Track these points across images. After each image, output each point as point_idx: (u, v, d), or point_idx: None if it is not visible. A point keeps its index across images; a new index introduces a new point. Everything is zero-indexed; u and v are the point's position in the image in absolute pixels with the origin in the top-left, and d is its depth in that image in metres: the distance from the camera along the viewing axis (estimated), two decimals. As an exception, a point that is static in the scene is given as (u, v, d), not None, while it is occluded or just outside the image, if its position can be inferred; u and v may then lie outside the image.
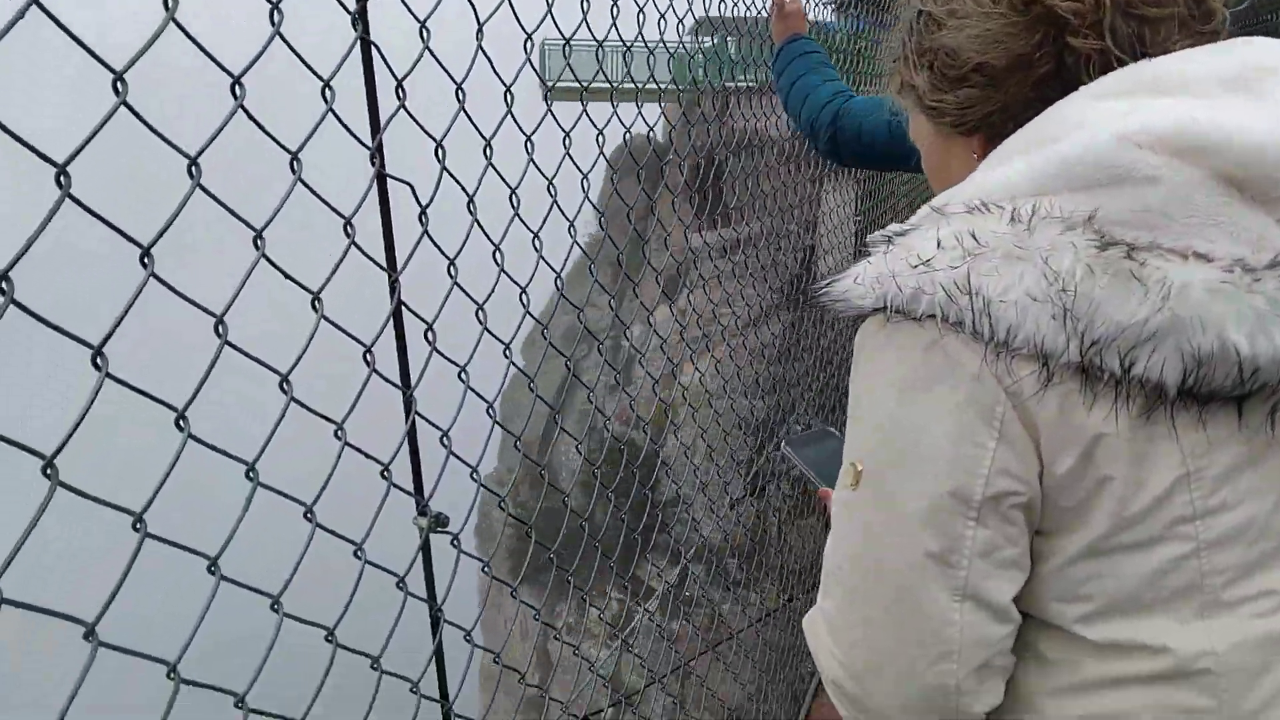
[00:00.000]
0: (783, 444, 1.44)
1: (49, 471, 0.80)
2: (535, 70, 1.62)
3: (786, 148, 4.04)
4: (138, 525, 0.92)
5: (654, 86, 2.39)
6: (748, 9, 2.90)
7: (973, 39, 0.94)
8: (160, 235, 0.87)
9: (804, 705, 3.63)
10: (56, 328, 0.84)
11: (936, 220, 0.91)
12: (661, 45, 2.33)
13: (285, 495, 1.11)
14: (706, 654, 3.49)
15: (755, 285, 3.83)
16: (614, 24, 1.99)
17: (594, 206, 1.83)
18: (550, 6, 1.65)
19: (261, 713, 1.12)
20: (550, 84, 1.80)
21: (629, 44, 2.13)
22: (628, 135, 2.14)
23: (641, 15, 2.18)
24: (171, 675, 0.99)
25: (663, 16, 2.27)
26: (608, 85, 1.99)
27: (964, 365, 0.86)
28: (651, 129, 2.33)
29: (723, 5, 2.82)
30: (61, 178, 0.80)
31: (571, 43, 1.75)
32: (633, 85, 2.12)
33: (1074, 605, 0.92)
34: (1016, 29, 0.92)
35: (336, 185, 1.15)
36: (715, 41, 2.92)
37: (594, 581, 2.99)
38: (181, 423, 0.95)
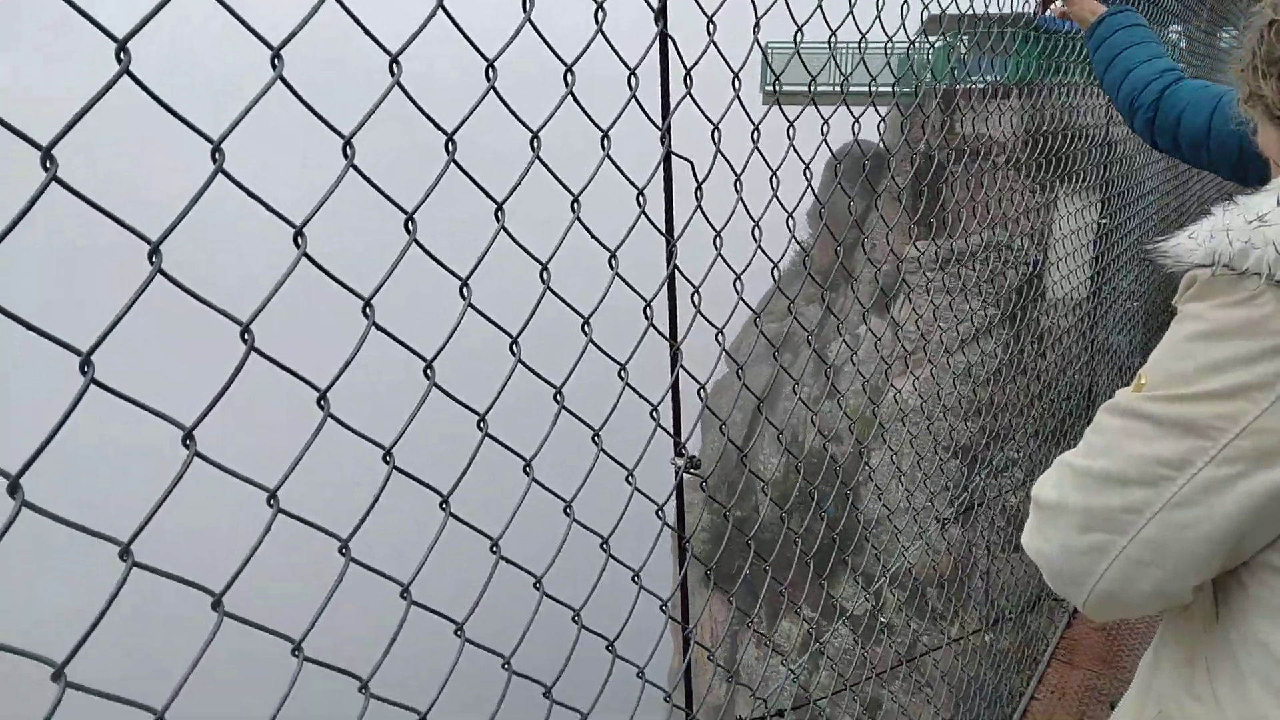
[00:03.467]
0: None
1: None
2: (771, 69, 1.67)
3: (1014, 154, 3.77)
4: (483, 422, 1.00)
5: (877, 88, 2.30)
6: (979, 3, 2.73)
7: None
8: (512, 192, 1.16)
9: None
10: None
11: None
12: (880, 45, 2.24)
13: (577, 417, 1.32)
14: (887, 677, 3.30)
15: (972, 300, 3.60)
16: (827, 22, 1.93)
17: (817, 198, 1.82)
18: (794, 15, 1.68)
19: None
20: (773, 86, 1.78)
21: (851, 42, 2.06)
22: (856, 126, 2.08)
23: (853, 11, 2.11)
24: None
25: (879, 15, 2.18)
26: (829, 88, 1.93)
27: (1270, 325, 0.88)
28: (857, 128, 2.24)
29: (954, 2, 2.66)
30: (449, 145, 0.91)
31: (791, 44, 1.72)
32: (856, 87, 2.05)
33: None
34: None
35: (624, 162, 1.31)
36: (942, 41, 2.78)
37: (785, 596, 2.93)
38: (514, 348, 1.19)
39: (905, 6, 2.19)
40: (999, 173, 3.59)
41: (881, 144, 2.27)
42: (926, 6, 2.34)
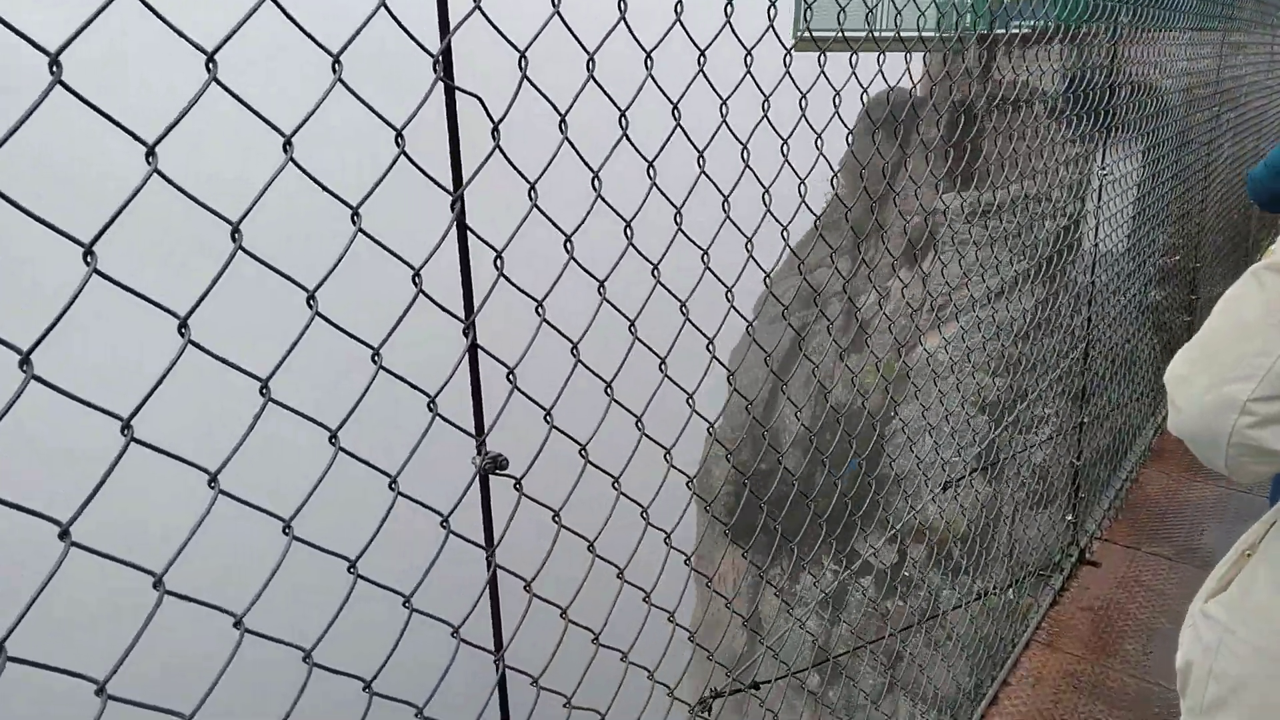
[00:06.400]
0: None
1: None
2: (803, 18, 1.57)
3: (1055, 103, 3.64)
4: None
5: (912, 34, 2.22)
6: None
7: None
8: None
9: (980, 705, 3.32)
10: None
11: None
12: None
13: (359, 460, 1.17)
14: (911, 631, 3.30)
15: (1007, 254, 3.52)
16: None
17: (829, 165, 1.74)
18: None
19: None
20: (801, 33, 1.72)
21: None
22: (888, 84, 2.02)
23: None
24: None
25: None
26: (862, 33, 1.87)
27: None
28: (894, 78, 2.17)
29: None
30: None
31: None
32: (890, 33, 1.98)
33: None
34: None
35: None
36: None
37: (808, 550, 2.94)
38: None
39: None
40: (1039, 123, 3.48)
41: (911, 92, 2.20)
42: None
